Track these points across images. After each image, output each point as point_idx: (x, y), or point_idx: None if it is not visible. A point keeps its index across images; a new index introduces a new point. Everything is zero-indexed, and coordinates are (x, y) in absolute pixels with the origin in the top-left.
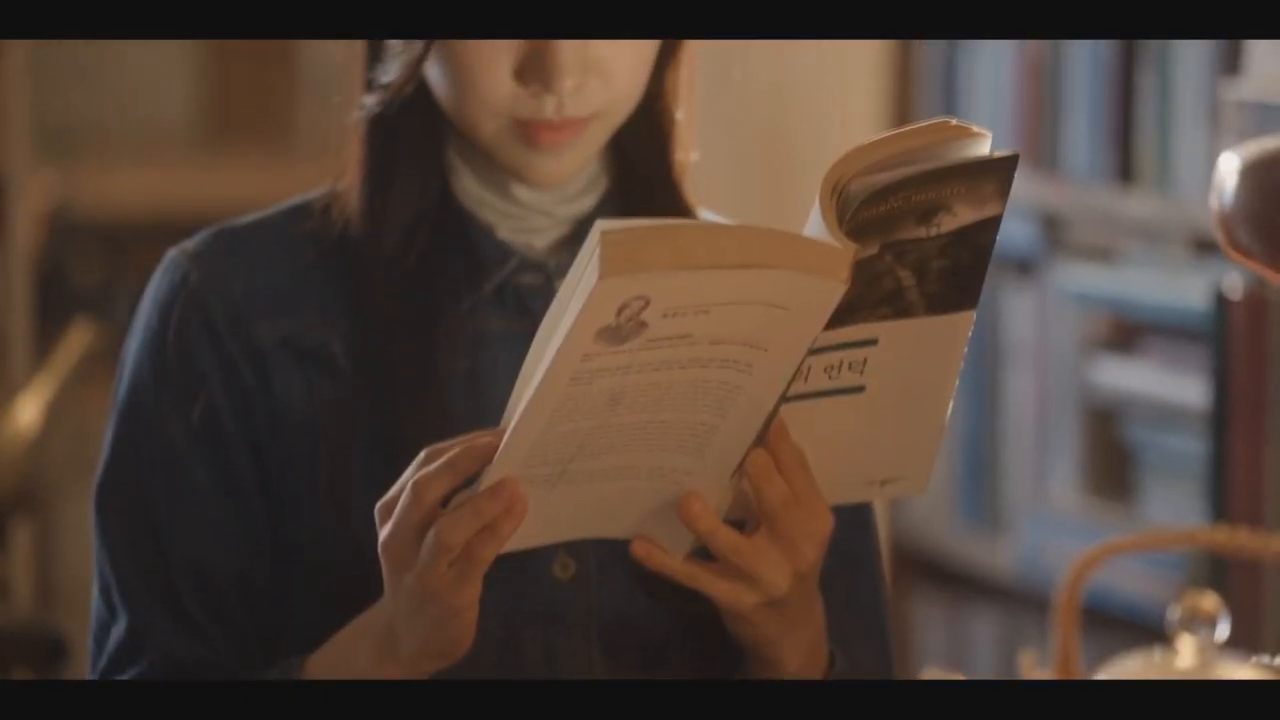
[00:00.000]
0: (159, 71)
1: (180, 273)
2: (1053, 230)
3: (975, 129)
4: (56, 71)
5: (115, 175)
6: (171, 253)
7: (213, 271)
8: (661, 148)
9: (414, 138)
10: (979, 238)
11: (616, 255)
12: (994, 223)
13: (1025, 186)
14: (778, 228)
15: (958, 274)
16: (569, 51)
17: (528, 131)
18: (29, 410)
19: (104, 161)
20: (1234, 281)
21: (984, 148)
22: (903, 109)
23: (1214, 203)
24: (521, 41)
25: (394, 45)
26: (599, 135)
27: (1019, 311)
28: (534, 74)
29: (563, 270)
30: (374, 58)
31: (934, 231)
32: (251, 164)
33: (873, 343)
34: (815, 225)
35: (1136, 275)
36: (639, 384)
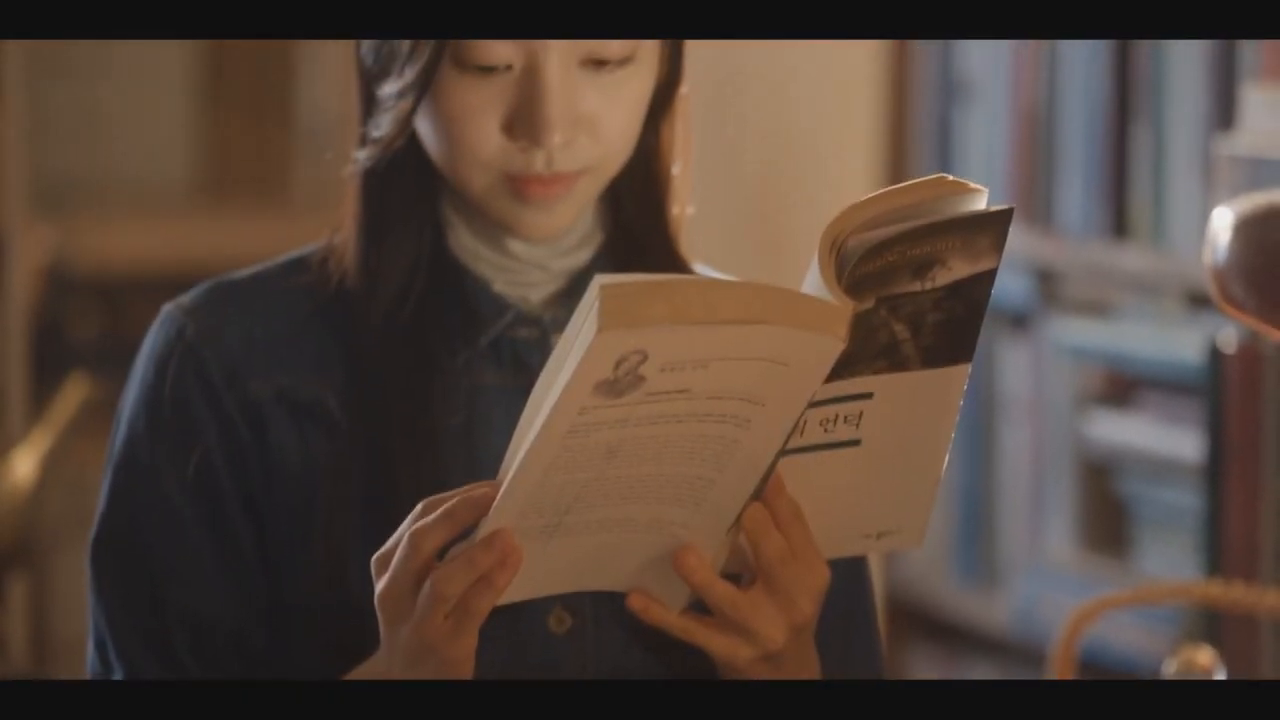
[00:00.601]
0: (156, 126)
1: (176, 327)
2: (1047, 284)
3: (971, 185)
4: (53, 126)
5: (112, 230)
6: (168, 307)
7: (208, 326)
8: (657, 202)
9: (408, 192)
10: (974, 291)
11: (615, 309)
12: (989, 276)
13: (1020, 240)
14: (775, 284)
15: (953, 327)
16: (558, 107)
17: (517, 186)
18: (25, 464)
19: (101, 216)
20: (1228, 335)
21: (980, 203)
22: (897, 163)
23: (1207, 257)
24: (510, 96)
25: (386, 99)
26: (589, 190)
27: (1014, 365)
28: (523, 129)
29: (558, 324)
30: (368, 112)
31: (929, 285)
32: (248, 219)
33: (868, 396)
34: (814, 282)
35: (1131, 329)
36: (636, 437)
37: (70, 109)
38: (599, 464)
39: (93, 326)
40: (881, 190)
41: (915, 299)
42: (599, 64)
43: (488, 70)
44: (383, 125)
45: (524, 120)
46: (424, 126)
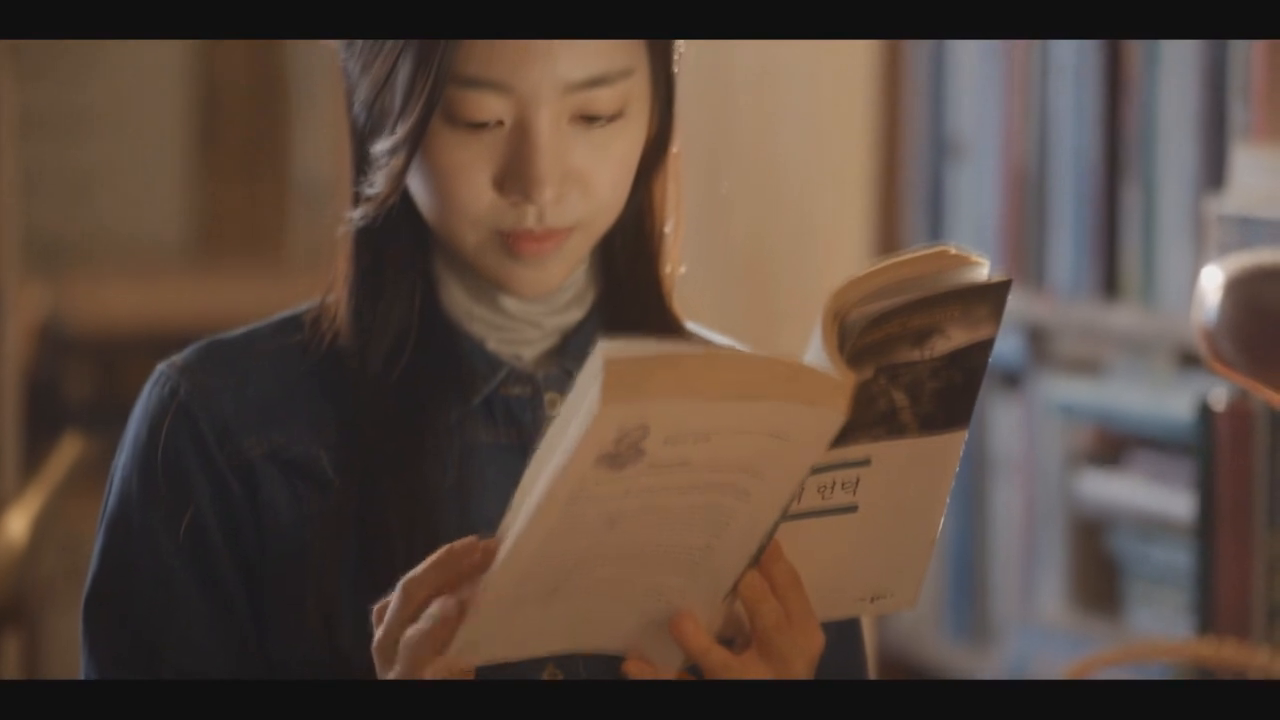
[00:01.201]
0: (149, 185)
1: (169, 386)
2: (1038, 343)
3: (974, 256)
4: (46, 185)
5: (106, 289)
6: (161, 366)
7: (201, 385)
8: (649, 260)
9: (400, 251)
10: (972, 360)
11: (618, 383)
12: (987, 345)
13: (1010, 299)
14: (779, 356)
15: (951, 395)
16: (549, 162)
17: (509, 242)
18: (18, 522)
19: (94, 275)
20: (1219, 394)
21: (981, 274)
22: (888, 221)
23: (1197, 316)
24: (501, 152)
25: (379, 157)
26: (581, 246)
27: (1005, 424)
28: (514, 185)
29: (551, 382)
30: (361, 171)
31: (928, 354)
32: (242, 277)
33: (866, 463)
34: (816, 353)
35: (1122, 388)
36: (636, 508)
37: (63, 168)
38: (599, 533)
39: (86, 385)
40: (885, 262)
41: (914, 368)
42: (589, 120)
43: (478, 126)
44: (376, 183)
45: (515, 176)
46: (416, 184)
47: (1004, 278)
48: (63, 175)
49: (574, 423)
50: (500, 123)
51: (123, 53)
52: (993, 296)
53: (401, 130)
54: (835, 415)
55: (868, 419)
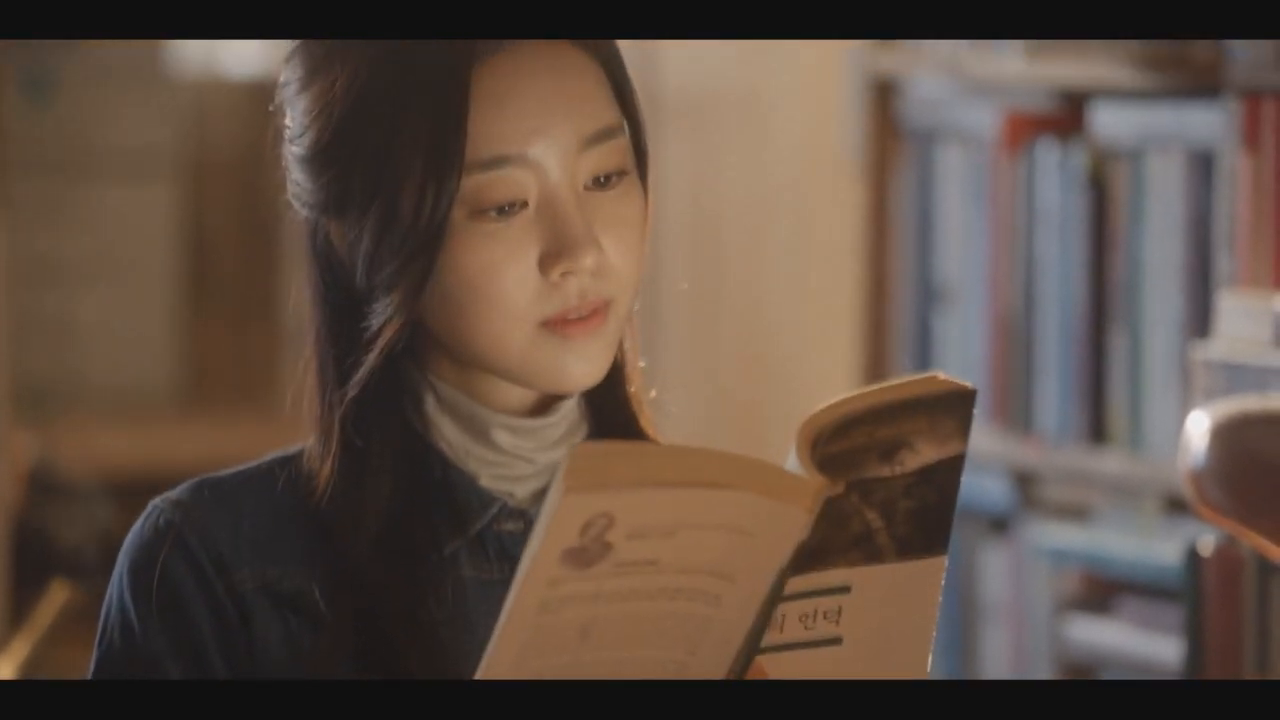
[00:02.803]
0: (138, 332)
1: (164, 518)
2: (1026, 488)
3: (965, 384)
4: (37, 333)
5: (95, 436)
6: (155, 501)
7: (196, 518)
8: (621, 382)
9: (393, 395)
10: (944, 478)
11: (581, 469)
12: (957, 462)
13: (998, 444)
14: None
15: (925, 516)
16: (583, 226)
17: (560, 330)
18: (4, 671)
19: (85, 422)
20: (1207, 540)
21: (971, 401)
22: (877, 369)
23: (1184, 462)
24: (533, 233)
25: (387, 282)
26: (614, 331)
27: (993, 569)
28: (553, 260)
29: None
30: (345, 329)
31: (898, 470)
32: (231, 424)
33: (846, 590)
34: (790, 464)
35: (1110, 533)
36: (608, 616)
37: (52, 315)
38: (573, 646)
39: (76, 532)
40: (874, 386)
41: (886, 484)
42: (601, 183)
43: (505, 212)
44: (385, 311)
45: (555, 251)
46: (439, 307)
47: (965, 386)
48: (52, 322)
49: (538, 522)
50: (525, 204)
51: (111, 201)
52: (958, 409)
53: (417, 239)
54: (800, 512)
55: (843, 541)
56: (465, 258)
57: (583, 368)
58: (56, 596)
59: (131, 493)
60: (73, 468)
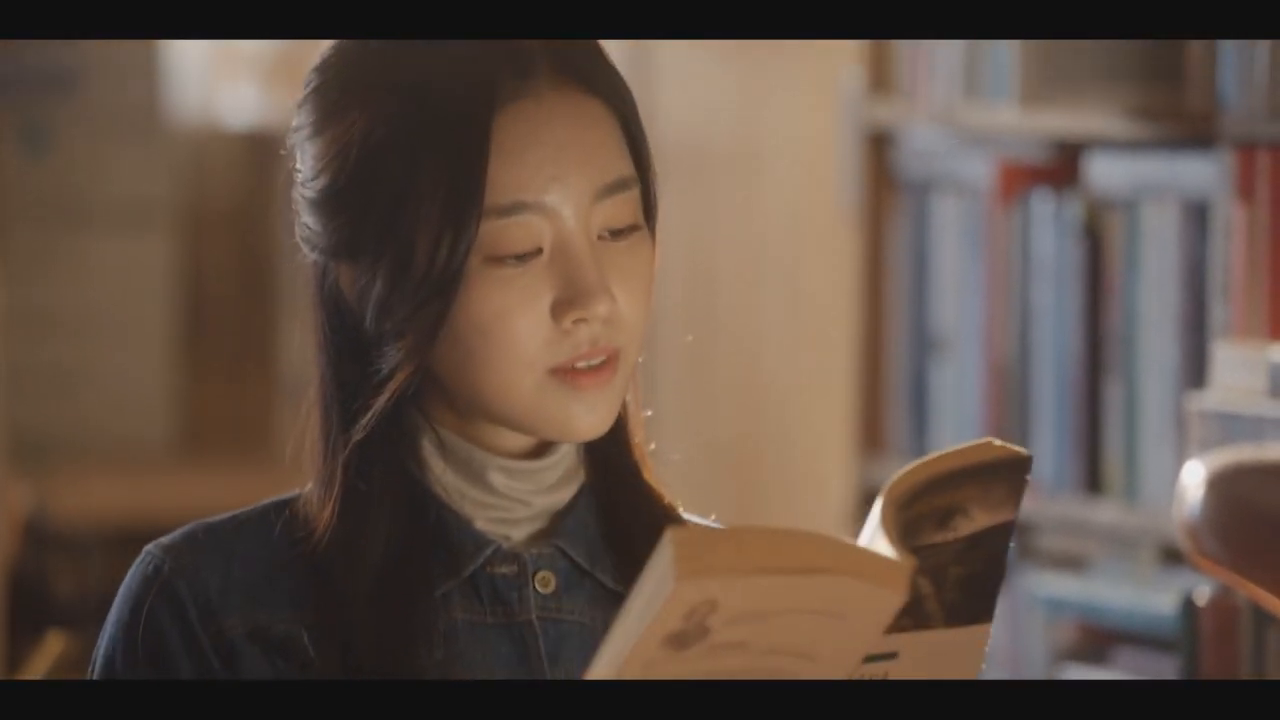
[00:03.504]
0: (135, 383)
1: (154, 565)
2: (1022, 538)
3: (1018, 450)
4: (33, 384)
5: (91, 487)
6: (149, 546)
7: (187, 563)
8: (625, 439)
9: (394, 438)
10: (993, 544)
11: (688, 555)
12: (1007, 529)
13: None
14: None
15: (973, 583)
16: (596, 274)
17: (569, 379)
18: None
19: (81, 473)
20: (1202, 590)
21: (1025, 464)
22: (872, 419)
23: (1179, 512)
24: (547, 280)
25: (398, 327)
26: (622, 382)
27: None
28: (566, 307)
29: (542, 561)
30: (350, 372)
31: (951, 536)
32: (228, 475)
33: (893, 656)
34: (873, 539)
35: (1105, 583)
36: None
37: (48, 366)
38: None
39: (70, 583)
40: (933, 454)
41: (938, 551)
42: (614, 235)
43: (522, 259)
44: (395, 356)
45: (568, 298)
46: (449, 353)
47: (1020, 454)
48: (48, 372)
49: (638, 606)
50: (539, 250)
51: (108, 252)
52: (1012, 474)
53: (432, 284)
54: (894, 596)
55: None
56: (479, 303)
57: (590, 419)
58: (52, 647)
59: (127, 543)
60: (69, 518)
